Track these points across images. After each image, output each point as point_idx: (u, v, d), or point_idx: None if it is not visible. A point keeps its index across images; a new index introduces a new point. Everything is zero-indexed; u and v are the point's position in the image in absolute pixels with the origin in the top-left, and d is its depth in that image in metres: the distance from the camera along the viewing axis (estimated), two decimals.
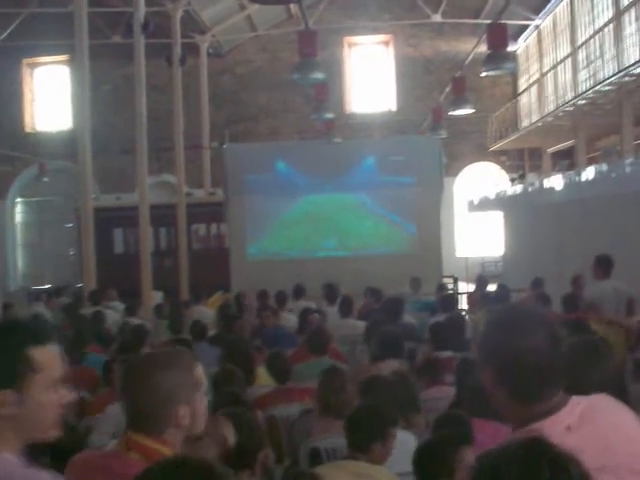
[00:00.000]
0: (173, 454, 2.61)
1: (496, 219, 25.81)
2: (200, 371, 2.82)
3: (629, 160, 13.11)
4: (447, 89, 22.16)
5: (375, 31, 33.11)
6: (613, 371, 3.50)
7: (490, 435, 4.73)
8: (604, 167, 13.93)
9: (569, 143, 27.57)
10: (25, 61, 33.38)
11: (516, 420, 2.37)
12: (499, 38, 12.91)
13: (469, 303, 14.11)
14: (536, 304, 10.71)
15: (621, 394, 2.89)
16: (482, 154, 32.95)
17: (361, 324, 10.94)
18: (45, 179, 29.71)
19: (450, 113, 19.38)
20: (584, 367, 3.24)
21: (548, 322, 2.46)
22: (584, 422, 2.34)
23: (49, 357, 2.39)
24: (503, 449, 1.87)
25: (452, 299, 12.13)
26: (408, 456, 4.91)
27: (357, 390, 5.68)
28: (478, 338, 2.48)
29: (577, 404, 2.40)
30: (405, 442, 5.15)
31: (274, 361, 7.17)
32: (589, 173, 14.50)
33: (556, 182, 16.78)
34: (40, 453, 4.44)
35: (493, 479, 1.81)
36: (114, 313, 14.63)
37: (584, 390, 2.49)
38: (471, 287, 18.14)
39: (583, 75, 24.82)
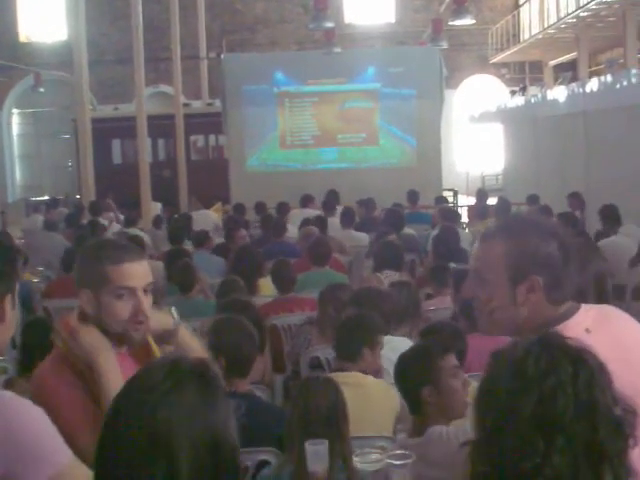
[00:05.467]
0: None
1: (497, 133, 25.62)
2: (116, 271, 2.84)
3: (634, 71, 12.93)
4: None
5: None
6: None
7: (491, 346, 4.74)
8: (608, 78, 13.74)
9: (571, 56, 27.27)
10: None
11: (535, 327, 2.34)
12: None
13: (469, 216, 14.14)
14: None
15: None
16: (482, 67, 32.62)
17: (362, 235, 10.98)
18: (41, 90, 29.38)
19: (450, 23, 19.09)
20: None
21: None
22: (599, 325, 2.37)
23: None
24: (521, 345, 1.88)
25: (452, 211, 12.14)
26: None
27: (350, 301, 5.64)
28: (516, 249, 2.39)
29: (588, 310, 2.44)
30: (404, 348, 5.17)
31: (279, 270, 7.17)
32: (593, 85, 14.31)
33: (559, 94, 16.60)
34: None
35: (513, 374, 1.82)
36: (114, 224, 14.64)
37: None
38: (471, 200, 18.14)
39: None
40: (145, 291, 2.85)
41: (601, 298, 2.59)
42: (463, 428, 3.04)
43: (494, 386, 1.85)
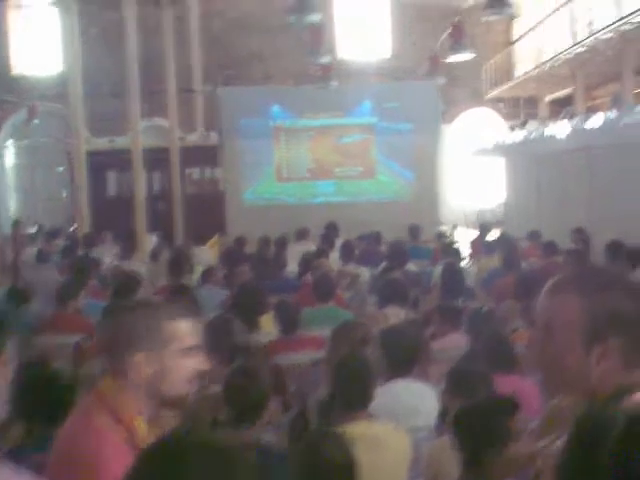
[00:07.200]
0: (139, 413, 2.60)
1: (493, 167, 25.58)
2: (180, 328, 2.66)
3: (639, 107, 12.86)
4: (444, 35, 21.82)
5: None
6: None
7: (512, 389, 4.57)
8: (613, 114, 13.65)
9: (567, 91, 27.28)
10: (9, 1, 32.67)
11: (604, 394, 2.10)
12: None
13: (472, 250, 14.00)
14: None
15: None
16: (477, 101, 32.64)
17: (363, 270, 10.83)
18: (36, 121, 29.28)
19: (448, 60, 19.13)
20: None
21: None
22: None
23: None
24: (619, 425, 1.66)
25: (454, 247, 12.02)
26: (428, 409, 4.76)
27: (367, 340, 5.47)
28: (593, 308, 2.11)
29: None
30: (423, 394, 5.01)
31: (282, 311, 6.98)
32: (597, 120, 14.22)
33: (561, 129, 16.53)
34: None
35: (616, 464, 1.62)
36: (109, 257, 14.45)
37: None
38: (469, 235, 18.03)
39: (582, 22, 24.34)
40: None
41: None
42: None
43: (595, 465, 1.64)
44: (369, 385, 4.33)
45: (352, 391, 4.30)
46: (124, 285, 8.51)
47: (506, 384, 4.55)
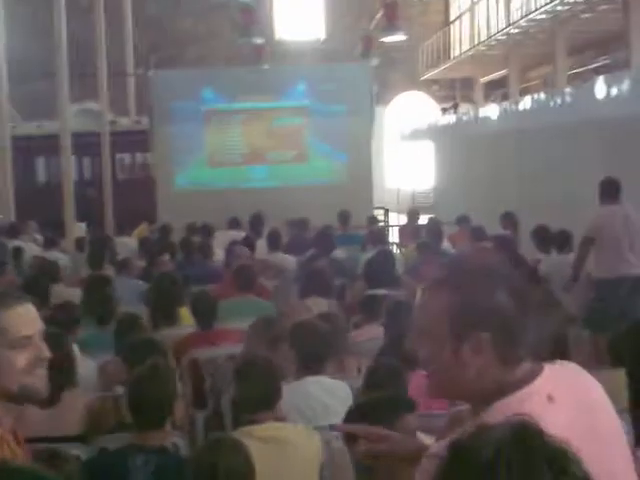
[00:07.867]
0: None
1: (428, 149, 25.58)
2: (10, 318, 2.46)
3: (568, 89, 12.83)
4: (378, 16, 21.71)
5: None
6: None
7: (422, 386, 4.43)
8: (541, 96, 13.63)
9: (501, 73, 27.38)
10: None
11: (486, 393, 1.98)
12: None
13: (400, 236, 13.90)
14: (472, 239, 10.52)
15: None
16: (413, 83, 32.62)
17: (289, 259, 10.66)
18: None
19: (382, 40, 19.05)
20: None
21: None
22: (564, 392, 1.99)
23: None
24: (489, 441, 1.49)
25: (382, 233, 11.88)
26: (342, 406, 4.60)
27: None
28: (459, 302, 2.01)
29: (551, 371, 2.04)
30: (336, 391, 4.85)
31: (199, 303, 6.75)
32: (526, 103, 14.19)
33: (491, 112, 16.50)
34: None
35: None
36: (34, 246, 14.08)
37: None
38: (402, 219, 17.97)
39: (516, 3, 24.44)
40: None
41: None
42: None
43: None
44: (271, 387, 4.15)
45: (252, 394, 4.12)
46: (36, 277, 8.23)
47: (417, 380, 4.41)
